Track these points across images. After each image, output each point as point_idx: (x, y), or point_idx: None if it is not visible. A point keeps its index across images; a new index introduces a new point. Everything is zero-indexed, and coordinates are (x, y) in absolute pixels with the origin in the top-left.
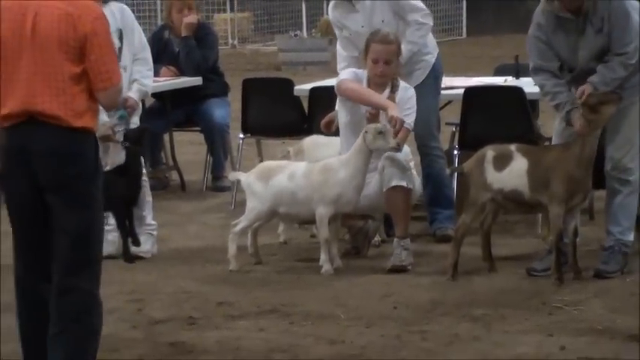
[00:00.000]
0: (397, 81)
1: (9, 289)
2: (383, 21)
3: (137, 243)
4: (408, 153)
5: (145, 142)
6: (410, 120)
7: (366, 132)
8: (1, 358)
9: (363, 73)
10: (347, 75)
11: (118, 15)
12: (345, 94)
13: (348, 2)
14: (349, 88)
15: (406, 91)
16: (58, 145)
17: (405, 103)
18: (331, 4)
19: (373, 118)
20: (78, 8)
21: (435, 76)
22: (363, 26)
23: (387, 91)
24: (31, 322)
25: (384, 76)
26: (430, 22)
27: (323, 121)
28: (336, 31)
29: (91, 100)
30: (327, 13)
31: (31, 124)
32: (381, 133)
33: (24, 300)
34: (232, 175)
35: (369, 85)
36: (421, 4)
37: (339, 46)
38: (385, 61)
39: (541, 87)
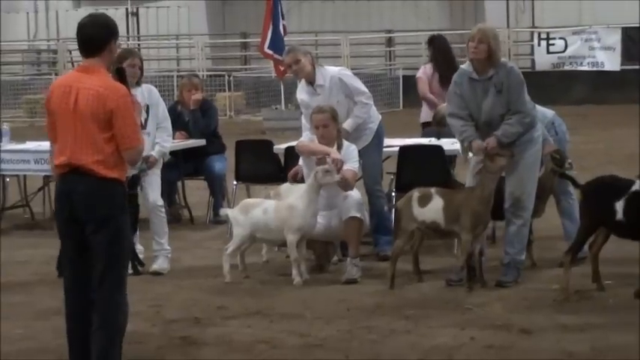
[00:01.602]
0: (341, 141)
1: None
2: (338, 101)
3: (141, 264)
4: (359, 195)
5: (138, 187)
6: (355, 166)
7: (316, 172)
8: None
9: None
10: (302, 138)
11: (147, 93)
12: (300, 149)
13: (312, 88)
14: (303, 145)
15: (349, 147)
16: (94, 190)
17: (348, 155)
18: (298, 89)
19: (320, 162)
20: (107, 89)
21: (378, 137)
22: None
23: (334, 149)
24: (76, 324)
25: (324, 138)
26: (371, 102)
27: (290, 173)
28: (302, 109)
29: (120, 158)
30: None
31: (75, 174)
32: (327, 171)
33: (70, 307)
34: (223, 211)
35: (320, 142)
36: (364, 89)
37: (303, 120)
38: (323, 125)
39: (452, 127)
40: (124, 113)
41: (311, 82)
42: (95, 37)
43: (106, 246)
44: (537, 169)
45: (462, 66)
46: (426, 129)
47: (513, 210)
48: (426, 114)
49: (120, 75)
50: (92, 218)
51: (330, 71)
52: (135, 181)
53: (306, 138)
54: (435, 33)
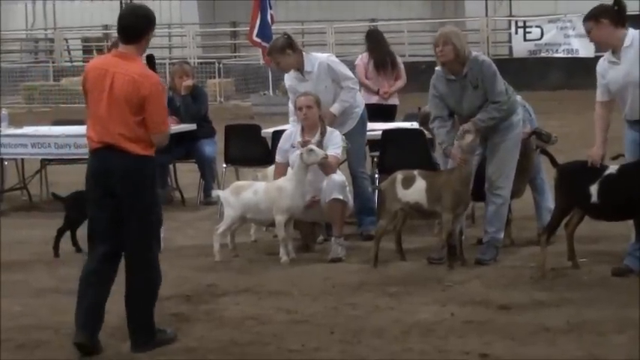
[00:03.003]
0: (325, 128)
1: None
2: (326, 87)
3: None
4: (344, 179)
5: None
6: (338, 151)
7: (301, 153)
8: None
9: (297, 126)
10: (278, 159)
11: None
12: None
13: (300, 74)
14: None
15: (332, 133)
16: (127, 165)
17: (331, 140)
18: (287, 75)
19: (305, 143)
20: (142, 76)
21: (362, 122)
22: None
23: (317, 134)
24: (95, 290)
25: (307, 119)
26: (357, 87)
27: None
28: (290, 95)
29: (149, 137)
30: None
31: (107, 150)
32: (311, 150)
33: (94, 275)
34: (214, 192)
35: (303, 131)
36: (351, 74)
37: (290, 106)
38: (307, 106)
39: (431, 129)
40: (156, 100)
41: (299, 68)
42: (135, 26)
43: (142, 214)
44: (517, 152)
45: (437, 68)
46: (409, 113)
47: (493, 190)
48: (364, 97)
49: (150, 62)
50: (128, 192)
51: (319, 57)
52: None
53: (292, 125)
54: (371, 26)
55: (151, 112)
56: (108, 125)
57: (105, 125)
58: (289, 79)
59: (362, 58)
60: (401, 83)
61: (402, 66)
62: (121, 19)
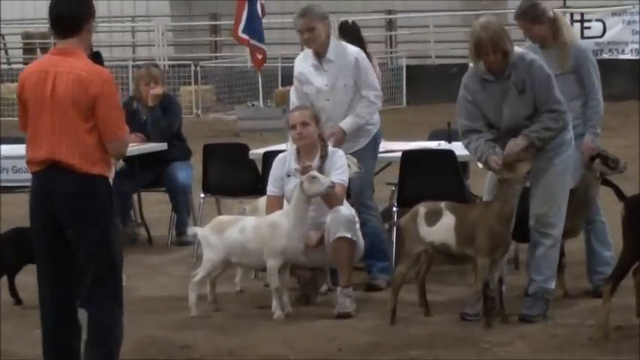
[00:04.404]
0: (326, 151)
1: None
2: (345, 85)
3: None
4: (353, 212)
5: None
6: (344, 177)
7: (301, 182)
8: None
9: (292, 148)
10: (271, 191)
11: None
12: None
13: (318, 62)
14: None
15: (334, 154)
16: (76, 188)
17: (334, 164)
18: (299, 58)
19: (305, 170)
20: (90, 73)
21: (374, 143)
22: (326, 85)
23: (316, 159)
24: (55, 340)
25: (303, 139)
26: (379, 103)
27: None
28: (296, 83)
29: (104, 151)
30: (281, 86)
31: (53, 171)
32: (314, 178)
33: (49, 317)
34: (191, 230)
35: (299, 154)
36: (377, 84)
37: (294, 98)
38: (302, 123)
39: (466, 146)
40: (108, 100)
41: (319, 54)
42: (70, 15)
43: (93, 252)
44: (569, 179)
45: (472, 65)
46: (436, 130)
47: (540, 228)
48: None
49: (96, 60)
50: (74, 221)
51: (347, 48)
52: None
53: (271, 190)
54: (347, 19)
55: (104, 115)
56: (51, 139)
57: (48, 140)
58: (302, 64)
59: None
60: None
61: (378, 70)
62: (53, 9)
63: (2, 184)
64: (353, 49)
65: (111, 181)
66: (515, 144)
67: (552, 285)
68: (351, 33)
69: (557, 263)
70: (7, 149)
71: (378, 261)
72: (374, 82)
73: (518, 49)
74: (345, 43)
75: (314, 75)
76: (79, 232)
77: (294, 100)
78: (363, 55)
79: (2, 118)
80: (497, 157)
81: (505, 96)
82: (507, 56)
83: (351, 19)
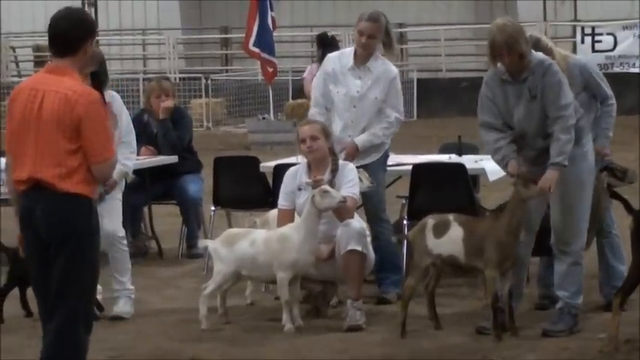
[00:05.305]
0: (336, 165)
1: None
2: (376, 98)
3: (99, 307)
4: (364, 225)
5: None
6: (355, 191)
7: (313, 195)
8: None
9: (303, 162)
10: (282, 204)
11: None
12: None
13: (355, 67)
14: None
15: (345, 167)
16: (54, 207)
17: (345, 177)
18: (337, 54)
19: (317, 184)
20: (76, 93)
21: (385, 157)
22: (358, 91)
23: (327, 173)
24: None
25: (313, 152)
26: (398, 127)
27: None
28: (323, 79)
29: (88, 171)
30: (291, 99)
31: (36, 189)
32: (326, 192)
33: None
34: (201, 242)
35: (310, 169)
36: (402, 107)
37: (317, 93)
38: (311, 137)
39: (486, 143)
40: (95, 122)
41: (359, 59)
42: (69, 34)
43: (63, 270)
44: (589, 193)
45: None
46: (446, 143)
47: (560, 246)
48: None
49: (95, 79)
50: (52, 239)
51: (389, 65)
52: None
53: (283, 203)
54: (326, 32)
55: (89, 137)
56: (34, 158)
57: (31, 159)
58: (337, 63)
59: (311, 70)
60: None
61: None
62: (52, 26)
63: (2, 197)
64: (394, 68)
65: (99, 199)
66: (548, 180)
67: (579, 300)
68: (329, 45)
69: (581, 278)
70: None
71: (390, 274)
72: (400, 104)
73: (539, 54)
74: (384, 59)
75: (349, 77)
76: (57, 251)
77: (317, 94)
78: (398, 77)
79: (2, 131)
80: (516, 163)
81: (518, 100)
82: (523, 58)
83: (331, 33)
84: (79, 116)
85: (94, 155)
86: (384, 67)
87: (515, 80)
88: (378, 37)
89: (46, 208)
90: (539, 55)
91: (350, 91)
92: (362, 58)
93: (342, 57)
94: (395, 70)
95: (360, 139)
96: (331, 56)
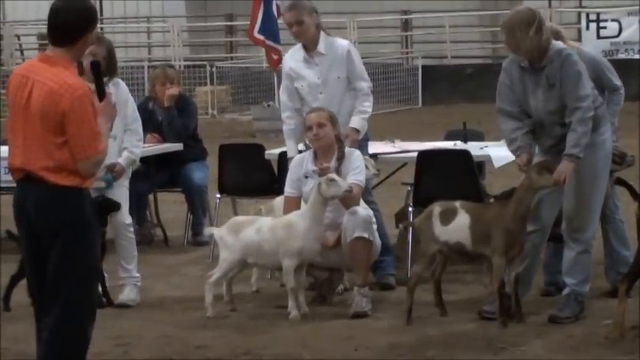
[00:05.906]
0: (342, 152)
1: None
2: (339, 78)
3: (107, 298)
4: (370, 213)
5: (105, 212)
6: (361, 178)
7: (319, 183)
8: None
9: (309, 151)
10: (288, 192)
11: (113, 89)
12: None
13: (308, 55)
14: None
15: (351, 154)
16: (44, 199)
17: (352, 164)
18: (289, 53)
19: (324, 172)
20: (62, 87)
21: (366, 137)
22: (319, 78)
23: (333, 160)
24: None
25: (319, 140)
26: (371, 94)
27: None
28: (286, 82)
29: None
30: None
31: (27, 181)
32: (332, 180)
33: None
34: (207, 230)
35: (317, 157)
36: (366, 74)
37: (284, 97)
38: (318, 124)
39: (503, 132)
40: (79, 117)
41: (309, 47)
42: (66, 26)
43: (57, 263)
44: (604, 182)
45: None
46: (452, 130)
47: (571, 233)
48: None
49: (95, 70)
50: (45, 231)
51: (337, 41)
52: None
53: (289, 191)
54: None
55: (74, 132)
56: (23, 148)
57: (21, 148)
58: (291, 60)
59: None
60: None
61: None
62: (52, 15)
63: (2, 185)
64: (344, 42)
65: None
66: (562, 172)
67: (586, 288)
68: None
69: (590, 266)
70: (6, 150)
71: (383, 256)
72: (364, 73)
73: (559, 43)
74: (333, 37)
75: (305, 69)
76: (50, 242)
77: (284, 99)
78: (353, 47)
79: (2, 119)
80: (526, 158)
81: (536, 87)
82: (540, 43)
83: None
84: (63, 111)
85: (77, 152)
86: (334, 44)
87: (533, 68)
88: (306, 21)
89: (37, 201)
90: (559, 44)
91: (312, 81)
92: (310, 45)
93: (295, 52)
94: (345, 42)
95: (355, 121)
96: (285, 57)
